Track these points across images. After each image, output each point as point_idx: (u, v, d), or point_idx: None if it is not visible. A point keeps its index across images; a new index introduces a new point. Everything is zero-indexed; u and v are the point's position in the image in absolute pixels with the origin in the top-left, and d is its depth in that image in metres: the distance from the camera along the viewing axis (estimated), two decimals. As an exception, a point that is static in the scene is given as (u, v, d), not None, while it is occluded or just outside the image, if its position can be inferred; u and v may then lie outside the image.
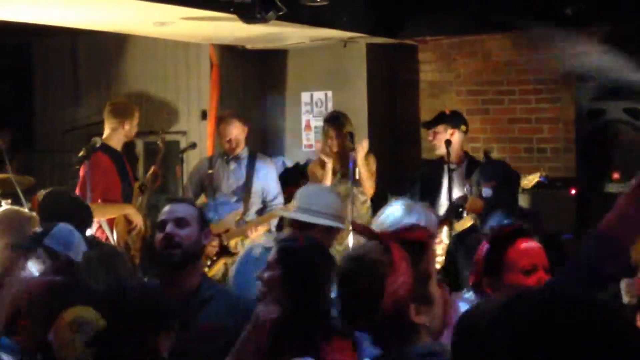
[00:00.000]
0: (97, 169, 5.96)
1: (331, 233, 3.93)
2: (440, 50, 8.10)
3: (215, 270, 6.08)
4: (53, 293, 2.98)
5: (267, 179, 6.42)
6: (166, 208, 3.47)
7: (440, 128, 6.29)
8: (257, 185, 6.39)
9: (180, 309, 3.00)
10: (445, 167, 6.12)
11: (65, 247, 3.61)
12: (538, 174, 6.15)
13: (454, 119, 6.38)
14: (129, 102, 6.96)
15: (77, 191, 5.81)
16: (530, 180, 6.07)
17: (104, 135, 6.26)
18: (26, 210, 4.74)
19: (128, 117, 6.33)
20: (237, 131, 6.36)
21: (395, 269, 2.11)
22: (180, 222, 3.38)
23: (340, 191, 5.78)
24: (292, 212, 3.97)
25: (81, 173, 5.94)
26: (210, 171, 6.47)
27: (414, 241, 2.21)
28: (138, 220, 6.06)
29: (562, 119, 7.49)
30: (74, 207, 4.51)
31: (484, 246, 2.87)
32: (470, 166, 6.16)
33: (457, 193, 6.07)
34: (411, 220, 2.86)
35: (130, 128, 6.33)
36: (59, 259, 3.55)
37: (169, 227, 3.36)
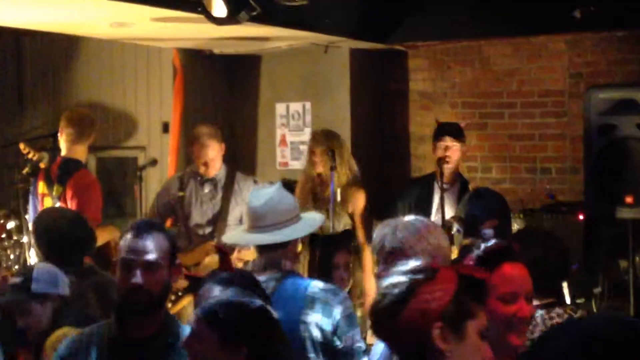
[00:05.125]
0: (91, 186, 5.98)
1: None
2: (432, 57, 8.13)
3: (180, 307, 5.86)
4: None
5: None
6: (132, 242, 3.14)
7: (455, 142, 6.17)
8: (236, 211, 6.14)
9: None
10: (437, 185, 6.16)
11: (54, 286, 3.82)
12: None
13: (461, 132, 6.31)
14: (89, 111, 6.92)
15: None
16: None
17: (66, 149, 6.15)
18: None
19: (93, 127, 6.28)
20: (213, 152, 6.19)
21: (436, 280, 2.16)
22: (151, 267, 3.11)
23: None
24: (253, 234, 3.78)
25: (68, 193, 5.89)
26: (181, 193, 6.29)
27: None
28: None
29: (568, 135, 7.53)
30: (76, 228, 4.51)
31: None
32: (463, 188, 6.21)
33: (449, 214, 5.98)
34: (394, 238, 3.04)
35: (92, 140, 6.27)
36: (49, 299, 3.82)
37: (138, 277, 3.08)
